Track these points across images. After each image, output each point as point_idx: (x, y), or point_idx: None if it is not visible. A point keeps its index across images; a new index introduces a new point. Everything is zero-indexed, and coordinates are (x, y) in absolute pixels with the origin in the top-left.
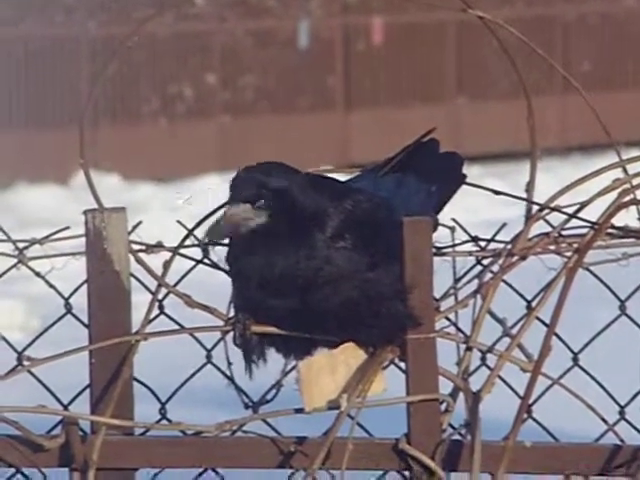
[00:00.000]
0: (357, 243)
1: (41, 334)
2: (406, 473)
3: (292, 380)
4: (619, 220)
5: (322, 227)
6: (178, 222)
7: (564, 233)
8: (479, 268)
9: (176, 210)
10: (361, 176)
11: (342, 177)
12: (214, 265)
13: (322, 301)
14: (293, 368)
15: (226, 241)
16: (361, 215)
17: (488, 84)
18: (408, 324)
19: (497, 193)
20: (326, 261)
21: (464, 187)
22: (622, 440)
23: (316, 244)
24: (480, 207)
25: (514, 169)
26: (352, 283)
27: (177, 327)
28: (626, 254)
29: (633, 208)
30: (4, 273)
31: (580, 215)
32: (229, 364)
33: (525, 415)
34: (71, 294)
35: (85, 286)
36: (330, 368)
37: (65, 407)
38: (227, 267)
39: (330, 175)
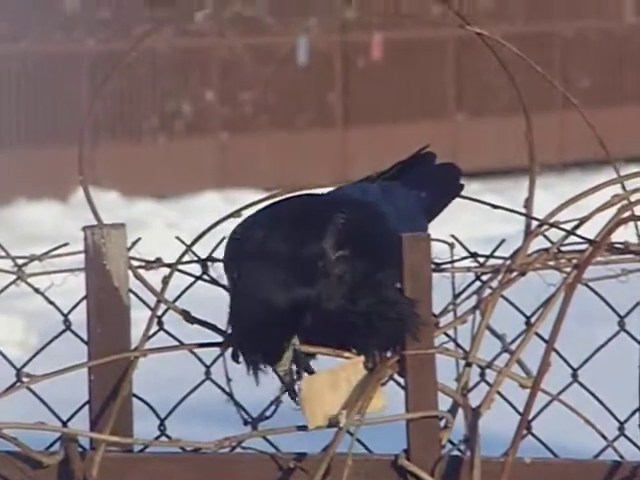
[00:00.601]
0: (356, 254)
1: (40, 350)
2: None
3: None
4: (618, 236)
5: (320, 254)
6: (177, 238)
7: (563, 249)
8: (478, 284)
9: (175, 226)
10: (351, 185)
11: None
12: (213, 281)
13: (340, 316)
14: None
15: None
16: (353, 228)
17: (487, 100)
18: (413, 326)
19: (495, 207)
20: (335, 282)
21: (463, 203)
22: (621, 456)
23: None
24: (479, 223)
25: (513, 185)
26: (362, 291)
27: (176, 343)
28: (625, 270)
29: (632, 224)
30: (3, 289)
31: (579, 231)
32: (228, 380)
33: (524, 431)
34: (70, 310)
35: (84, 302)
36: (332, 385)
37: (64, 423)
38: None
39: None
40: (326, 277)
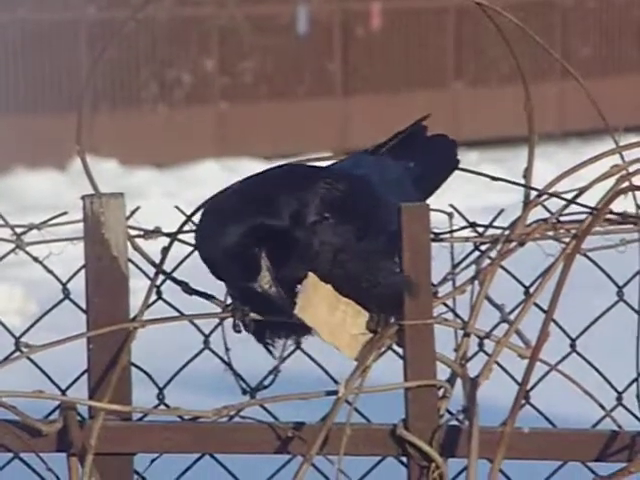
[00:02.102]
0: (339, 219)
1: (39, 319)
2: (404, 459)
3: (289, 365)
4: (617, 206)
5: (303, 219)
6: (176, 208)
7: (562, 219)
8: (477, 254)
9: (174, 196)
10: (348, 158)
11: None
12: None
13: (327, 278)
14: (290, 354)
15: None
16: (337, 194)
17: (486, 70)
18: (405, 291)
19: (495, 179)
20: (319, 245)
21: (462, 173)
22: (620, 426)
23: (301, 234)
24: (478, 193)
25: (512, 155)
26: (343, 257)
27: (175, 313)
28: (624, 240)
29: (631, 194)
30: (2, 258)
31: (578, 201)
32: (227, 349)
33: (523, 401)
34: (69, 279)
35: (83, 271)
36: (330, 305)
37: (63, 392)
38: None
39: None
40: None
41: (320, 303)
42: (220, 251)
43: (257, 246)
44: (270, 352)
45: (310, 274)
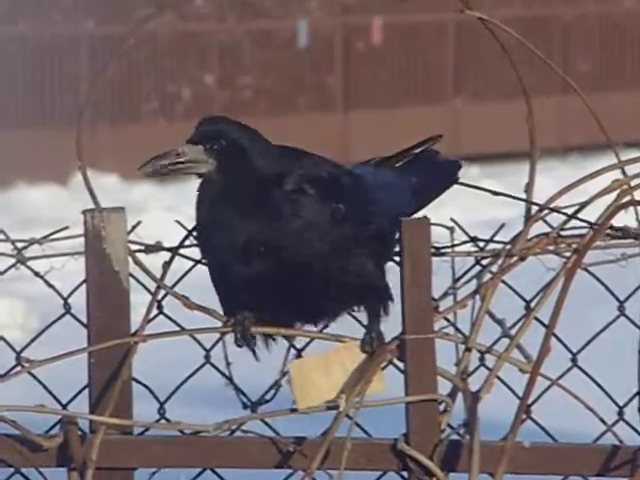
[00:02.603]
0: (319, 195)
1: (40, 334)
2: (404, 473)
3: (286, 380)
4: (618, 221)
5: (281, 183)
6: (177, 222)
7: (563, 234)
8: (478, 268)
9: (175, 210)
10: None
11: None
12: None
13: (294, 253)
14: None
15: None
16: (323, 173)
17: (487, 84)
18: (379, 286)
19: (496, 194)
20: (289, 214)
21: (463, 188)
22: (621, 441)
23: (277, 199)
24: (479, 207)
25: (513, 170)
26: (316, 234)
27: (176, 328)
28: (625, 255)
29: (632, 209)
30: (3, 273)
31: (579, 216)
32: (228, 364)
33: (524, 415)
34: (70, 294)
35: (84, 286)
36: (323, 368)
37: (64, 407)
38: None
39: None
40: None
41: (313, 378)
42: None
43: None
44: (254, 353)
45: (290, 365)
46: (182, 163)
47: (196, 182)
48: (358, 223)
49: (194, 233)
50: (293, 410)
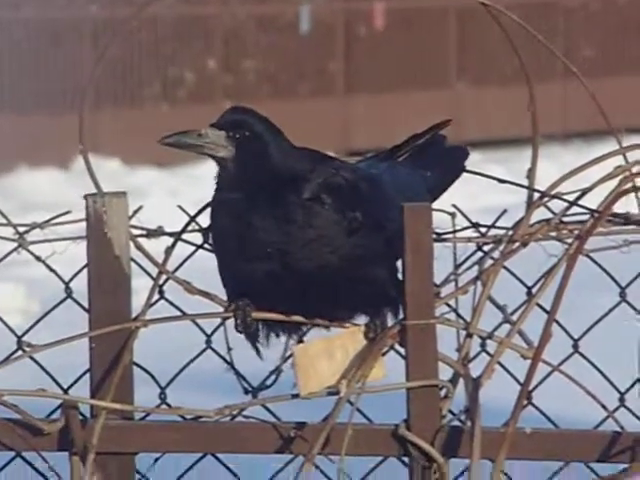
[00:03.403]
0: (336, 206)
1: (41, 318)
2: (405, 459)
3: (290, 365)
4: (620, 207)
5: (298, 188)
6: (179, 207)
7: (565, 220)
8: (480, 254)
9: (177, 195)
10: (361, 160)
11: None
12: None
13: (303, 261)
14: (292, 354)
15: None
16: (341, 181)
17: (489, 70)
18: (395, 293)
19: (499, 181)
20: (302, 222)
21: (464, 174)
22: (622, 427)
23: (292, 205)
24: (481, 193)
25: (515, 155)
26: (329, 246)
27: (178, 313)
28: (627, 241)
29: (634, 195)
30: (4, 257)
31: (581, 202)
32: (229, 349)
33: (525, 401)
34: (71, 278)
35: (85, 270)
36: (327, 353)
37: (65, 391)
38: (210, 240)
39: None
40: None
41: (317, 362)
42: None
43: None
44: (258, 352)
45: (294, 348)
46: (203, 142)
47: (200, 168)
48: (373, 230)
49: (197, 219)
50: (294, 396)
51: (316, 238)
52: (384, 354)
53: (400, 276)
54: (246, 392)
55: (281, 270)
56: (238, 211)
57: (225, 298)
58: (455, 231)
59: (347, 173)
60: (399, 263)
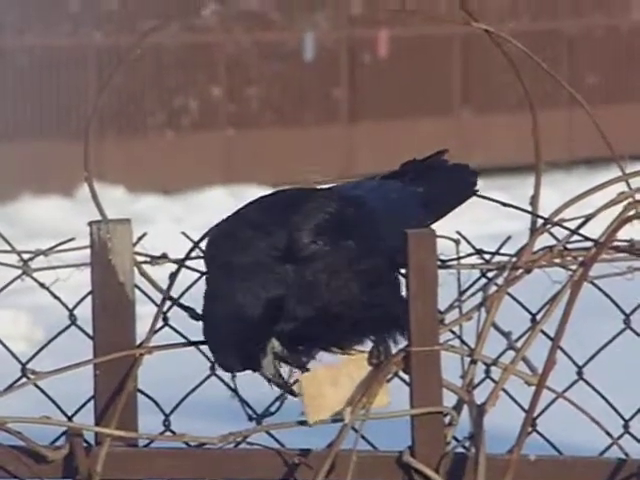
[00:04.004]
0: (331, 243)
1: (45, 345)
2: None
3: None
4: (624, 234)
5: (292, 248)
6: (183, 234)
7: (569, 246)
8: (484, 281)
9: (181, 222)
10: (350, 182)
11: None
12: None
13: (319, 307)
14: (296, 381)
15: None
16: (327, 217)
17: (494, 97)
18: (401, 313)
19: (505, 205)
20: (309, 273)
21: (468, 201)
22: (626, 454)
23: (295, 262)
24: (485, 220)
25: (519, 182)
26: (339, 281)
27: (182, 339)
28: (631, 267)
29: (638, 222)
30: (9, 284)
31: (585, 228)
32: (233, 376)
33: (529, 428)
34: (75, 305)
35: (90, 297)
36: (332, 380)
37: (69, 418)
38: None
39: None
40: (300, 274)
41: (323, 390)
42: (226, 344)
43: (265, 336)
44: (279, 385)
45: (300, 377)
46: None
47: (203, 195)
48: (371, 255)
49: (201, 244)
50: (299, 422)
51: (327, 280)
52: (388, 381)
53: (403, 299)
54: (250, 419)
55: (294, 320)
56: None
57: None
58: (459, 258)
59: (329, 206)
60: (402, 285)
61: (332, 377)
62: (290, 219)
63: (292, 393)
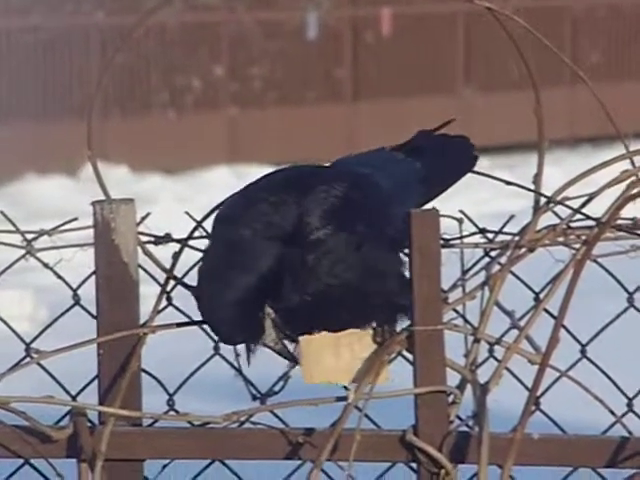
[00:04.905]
0: (338, 227)
1: (49, 325)
2: (413, 465)
3: (299, 371)
4: (628, 212)
5: (300, 231)
6: (186, 214)
7: (572, 224)
8: (487, 260)
9: (185, 201)
10: (357, 155)
11: None
12: None
13: (323, 292)
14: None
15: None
16: (334, 201)
17: (496, 75)
18: (407, 300)
19: (508, 183)
20: (315, 257)
21: (471, 178)
22: (630, 432)
23: (302, 248)
24: (488, 199)
25: (522, 161)
26: (344, 266)
27: (185, 319)
28: (634, 246)
29: None
30: (13, 264)
31: (589, 206)
32: (237, 355)
33: (533, 407)
34: (79, 285)
35: (93, 277)
36: (333, 348)
37: (73, 398)
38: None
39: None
40: (303, 255)
41: (322, 356)
42: (223, 314)
43: (261, 305)
44: (248, 357)
45: (300, 339)
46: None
47: (207, 174)
48: (377, 236)
49: (204, 224)
50: (303, 401)
51: (332, 265)
52: (392, 360)
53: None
54: (254, 398)
55: (301, 302)
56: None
57: None
58: (462, 237)
59: (337, 189)
60: (407, 266)
61: (332, 345)
62: (298, 199)
63: (295, 361)
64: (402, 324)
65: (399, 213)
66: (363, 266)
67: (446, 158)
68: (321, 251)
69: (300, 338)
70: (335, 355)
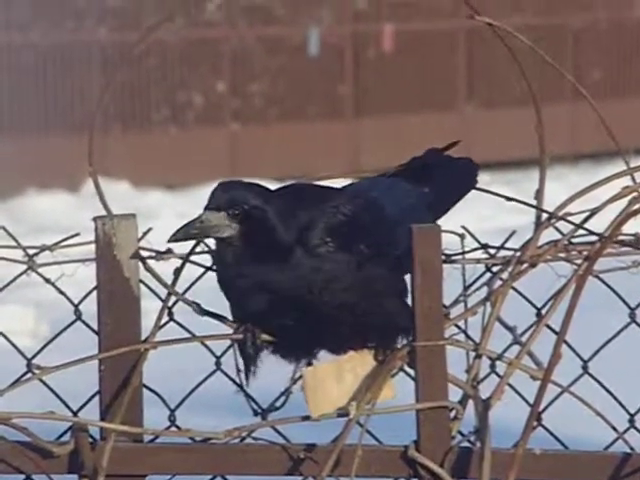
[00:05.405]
0: (341, 245)
1: (51, 340)
2: None
3: (300, 387)
4: (629, 228)
5: (303, 239)
6: None
7: (574, 240)
8: (489, 275)
9: (186, 217)
10: (366, 179)
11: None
12: None
13: (318, 308)
14: (302, 376)
15: (192, 242)
16: (342, 218)
17: (498, 91)
18: (406, 322)
19: (509, 199)
20: (311, 270)
21: (474, 194)
22: (632, 448)
23: (298, 256)
24: (490, 215)
25: (524, 177)
26: (342, 284)
27: (187, 334)
28: (636, 262)
29: None
30: (14, 279)
31: (590, 222)
32: (238, 371)
33: (535, 423)
34: (81, 301)
35: (95, 292)
36: (336, 375)
37: (74, 413)
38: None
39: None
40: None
41: (327, 386)
42: None
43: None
44: (247, 377)
45: (303, 370)
46: (208, 227)
47: (207, 190)
48: (380, 258)
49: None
50: (304, 417)
51: (328, 281)
52: (393, 375)
53: (410, 300)
54: (255, 414)
55: (296, 316)
56: (251, 278)
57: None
58: (464, 252)
59: (346, 208)
60: (408, 285)
61: (336, 372)
62: (305, 217)
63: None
64: (402, 340)
65: (405, 238)
66: (366, 281)
67: (452, 181)
68: (322, 268)
69: (303, 370)
70: (338, 381)
